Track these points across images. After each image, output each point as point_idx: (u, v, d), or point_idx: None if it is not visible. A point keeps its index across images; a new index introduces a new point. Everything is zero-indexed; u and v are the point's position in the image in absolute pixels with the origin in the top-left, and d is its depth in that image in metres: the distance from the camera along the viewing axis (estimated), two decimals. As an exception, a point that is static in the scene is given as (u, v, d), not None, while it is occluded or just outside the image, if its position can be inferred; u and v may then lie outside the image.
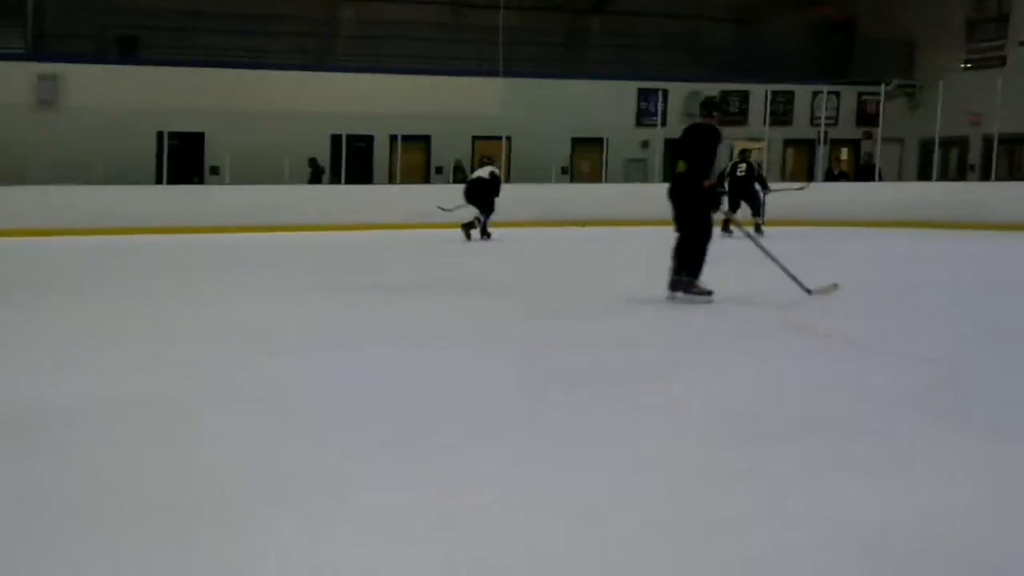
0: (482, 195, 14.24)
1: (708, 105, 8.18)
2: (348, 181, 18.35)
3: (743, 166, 15.53)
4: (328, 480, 3.36)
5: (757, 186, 15.49)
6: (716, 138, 7.79)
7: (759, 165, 16.70)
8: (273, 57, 19.95)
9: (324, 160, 19.48)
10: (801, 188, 16.73)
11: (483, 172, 14.47)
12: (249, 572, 2.59)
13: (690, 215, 7.76)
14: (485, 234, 14.43)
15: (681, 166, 7.82)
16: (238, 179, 17.28)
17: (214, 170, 18.48)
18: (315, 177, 19.26)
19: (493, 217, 14.44)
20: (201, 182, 18.54)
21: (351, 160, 18.41)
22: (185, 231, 15.03)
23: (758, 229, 14.41)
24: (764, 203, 15.51)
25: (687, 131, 8.06)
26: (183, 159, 18.25)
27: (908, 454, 3.65)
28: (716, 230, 8.05)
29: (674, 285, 7.81)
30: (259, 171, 17.42)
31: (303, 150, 18.35)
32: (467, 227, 14.37)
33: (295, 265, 11.72)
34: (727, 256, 12.31)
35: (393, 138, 19.44)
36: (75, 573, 2.59)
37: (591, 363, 5.38)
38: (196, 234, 15.02)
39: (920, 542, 2.78)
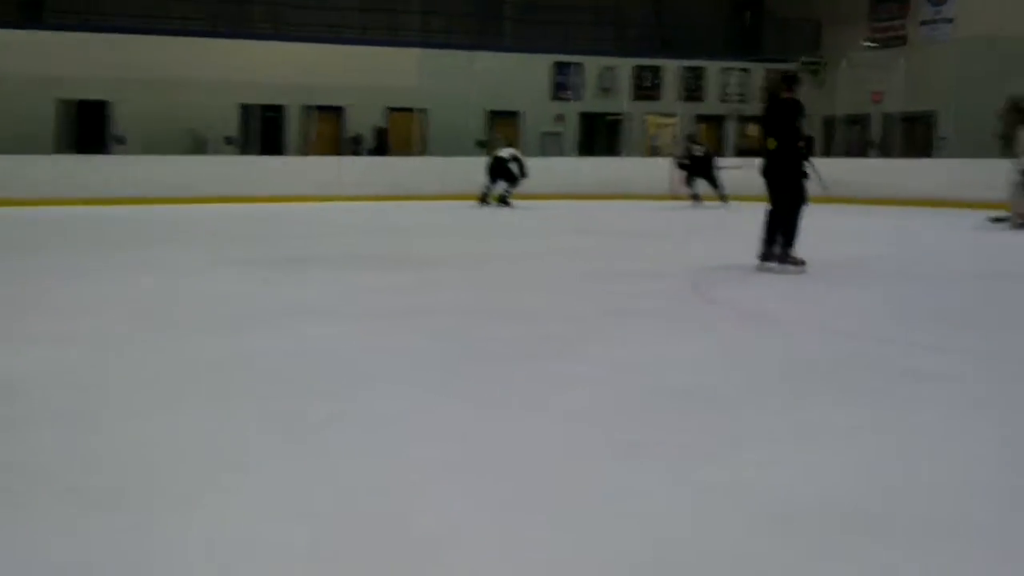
0: (504, 171, 16.00)
1: (789, 80, 8.28)
2: (260, 152, 18.09)
3: (699, 147, 17.16)
4: (239, 456, 3.32)
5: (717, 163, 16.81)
6: (800, 111, 7.97)
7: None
8: (182, 23, 19.48)
9: (233, 130, 19.12)
10: (739, 168, 17.15)
11: (505, 153, 16.19)
12: (170, 550, 2.56)
13: (785, 188, 7.96)
14: (505, 203, 15.98)
15: (771, 144, 7.96)
16: (145, 149, 16.88)
17: (119, 140, 17.98)
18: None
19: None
20: (106, 152, 18.01)
21: (263, 131, 18.13)
22: (87, 203, 14.64)
23: (723, 200, 16.36)
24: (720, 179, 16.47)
25: (771, 107, 8.18)
26: (86, 128, 17.73)
27: (811, 423, 3.75)
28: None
29: (766, 256, 8.05)
30: (167, 141, 17.03)
31: (213, 120, 17.97)
32: (483, 198, 16.19)
33: (203, 238, 11.50)
34: (643, 231, 12.56)
35: (306, 108, 19.18)
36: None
37: (506, 337, 5.39)
38: (99, 206, 14.64)
39: (819, 506, 2.86)
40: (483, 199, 16.02)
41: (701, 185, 16.81)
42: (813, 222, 13.47)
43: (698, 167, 16.91)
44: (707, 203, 16.51)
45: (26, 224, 12.73)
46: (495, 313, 6.21)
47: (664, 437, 3.55)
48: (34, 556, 2.50)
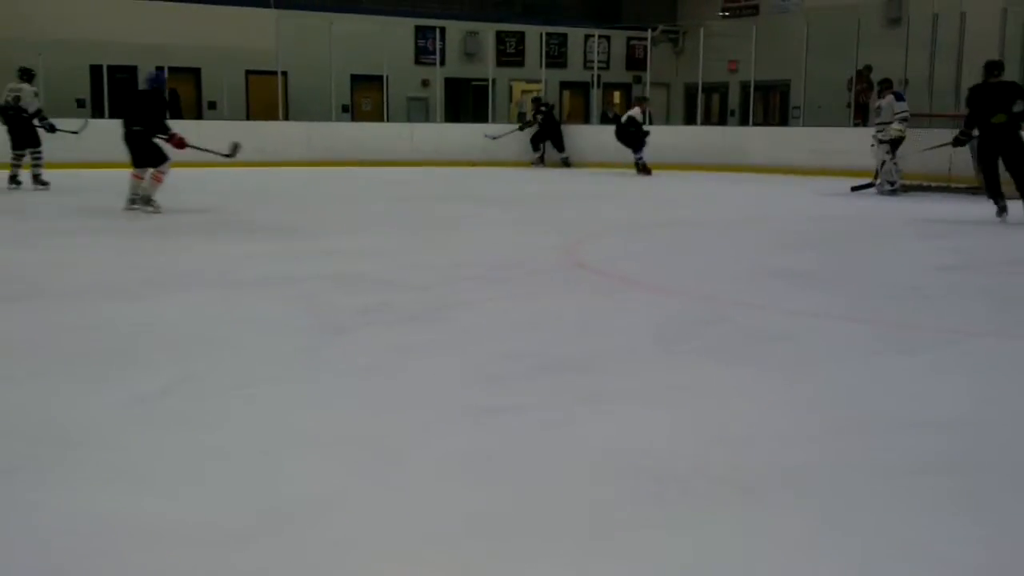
0: (630, 136, 16.21)
1: (999, 66, 9.63)
2: (111, 116, 17.19)
3: (544, 109, 18.83)
4: (107, 428, 3.25)
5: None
6: (1020, 92, 9.37)
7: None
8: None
9: (84, 91, 18.14)
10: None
11: (624, 117, 16.62)
12: (31, 533, 2.47)
13: (1018, 153, 9.27)
14: (645, 170, 16.14)
15: (1001, 118, 9.19)
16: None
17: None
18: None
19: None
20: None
21: (113, 93, 17.25)
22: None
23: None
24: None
25: (996, 87, 9.39)
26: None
27: (673, 385, 3.86)
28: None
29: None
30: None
31: (61, 81, 16.96)
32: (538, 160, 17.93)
33: (60, 205, 10.93)
34: (512, 196, 12.62)
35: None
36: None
37: (368, 305, 5.35)
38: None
39: (680, 467, 2.94)
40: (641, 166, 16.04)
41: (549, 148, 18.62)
42: (686, 188, 13.88)
43: (545, 129, 18.18)
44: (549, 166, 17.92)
45: None
46: (354, 281, 6.15)
47: (527, 401, 3.59)
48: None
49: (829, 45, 17.80)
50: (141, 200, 9.57)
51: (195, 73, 18.96)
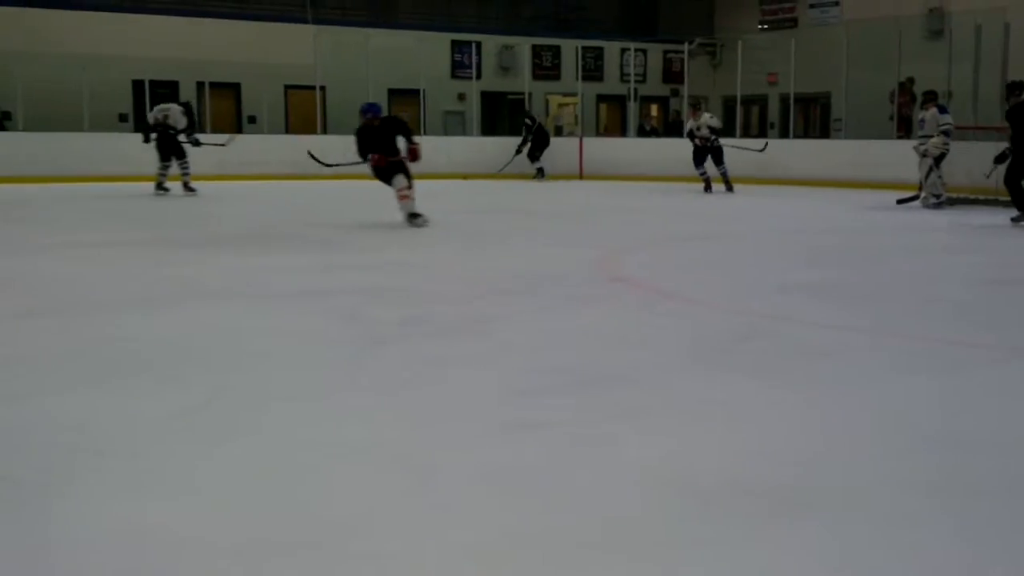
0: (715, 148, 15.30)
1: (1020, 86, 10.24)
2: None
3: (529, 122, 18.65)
4: (143, 440, 3.25)
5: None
6: None
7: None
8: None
9: (127, 106, 18.37)
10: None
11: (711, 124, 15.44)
12: (61, 542, 2.46)
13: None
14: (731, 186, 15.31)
15: None
16: (33, 126, 16.06)
17: (6, 115, 17.07)
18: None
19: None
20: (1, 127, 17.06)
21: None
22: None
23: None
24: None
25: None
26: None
27: (709, 400, 3.79)
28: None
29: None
30: (57, 118, 16.24)
31: (104, 96, 17.19)
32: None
33: (99, 217, 11.06)
34: (548, 210, 12.58)
35: (200, 85, 18.55)
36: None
37: (406, 317, 5.34)
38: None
39: (716, 483, 2.88)
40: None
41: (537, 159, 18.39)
42: (724, 202, 13.76)
43: (536, 142, 18.30)
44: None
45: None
46: (393, 294, 6.13)
47: (563, 416, 3.53)
48: None
49: (870, 57, 17.64)
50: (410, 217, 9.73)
51: (235, 88, 19.12)
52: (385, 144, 9.76)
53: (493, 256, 8.15)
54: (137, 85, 17.91)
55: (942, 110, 12.55)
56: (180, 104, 13.92)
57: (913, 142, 13.10)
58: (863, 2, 21.14)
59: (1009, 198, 10.50)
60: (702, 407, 3.70)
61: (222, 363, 4.31)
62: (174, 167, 13.62)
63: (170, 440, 3.24)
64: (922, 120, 12.75)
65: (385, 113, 10.28)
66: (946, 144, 12.18)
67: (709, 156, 15.19)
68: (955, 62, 16.51)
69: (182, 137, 13.58)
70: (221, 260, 7.64)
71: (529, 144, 18.39)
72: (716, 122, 15.43)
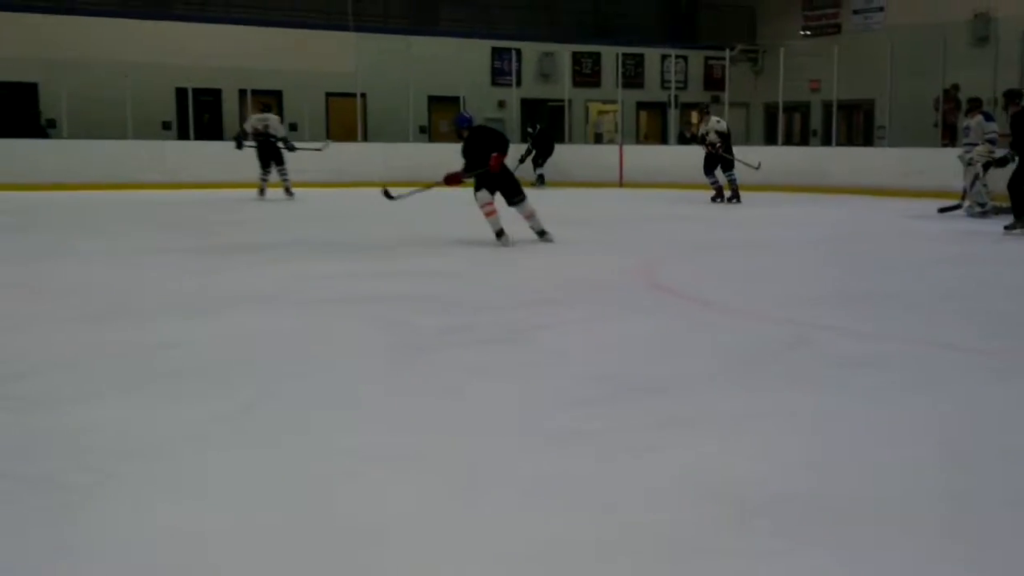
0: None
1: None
2: (196, 136, 17.62)
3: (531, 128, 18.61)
4: (188, 445, 3.28)
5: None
6: None
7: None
8: (108, 4, 18.85)
9: (170, 114, 18.59)
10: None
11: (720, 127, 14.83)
12: (99, 547, 2.48)
13: None
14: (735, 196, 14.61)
15: None
16: (77, 133, 16.29)
17: (50, 123, 17.33)
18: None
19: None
20: (46, 135, 17.31)
21: (198, 115, 17.66)
22: (19, 188, 14.09)
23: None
24: None
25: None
26: (15, 111, 17.04)
27: (753, 410, 3.75)
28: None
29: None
30: (100, 125, 16.46)
31: (147, 103, 17.40)
32: None
33: (141, 225, 11.19)
34: (586, 217, 12.53)
35: (242, 92, 18.72)
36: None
37: (452, 325, 5.35)
38: (32, 191, 14.12)
39: (760, 493, 2.85)
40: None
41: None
42: (766, 210, 13.63)
43: (541, 148, 18.32)
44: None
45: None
46: (433, 302, 6.12)
47: (606, 425, 3.51)
48: None
49: (914, 64, 17.42)
50: (538, 233, 9.22)
51: (277, 95, 19.25)
52: (474, 157, 9.09)
53: (533, 265, 8.12)
54: (180, 92, 18.11)
55: (987, 117, 12.36)
56: (267, 111, 14.85)
57: (958, 150, 12.92)
58: (907, 7, 20.91)
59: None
60: (744, 417, 3.66)
61: (264, 369, 4.34)
62: (273, 173, 14.41)
63: (212, 445, 3.27)
64: (967, 128, 12.56)
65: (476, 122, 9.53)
66: (992, 152, 11.98)
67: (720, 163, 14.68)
68: (1001, 68, 16.26)
69: (281, 144, 14.36)
70: (263, 267, 7.69)
71: (533, 152, 18.29)
72: (723, 126, 14.80)
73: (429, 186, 9.69)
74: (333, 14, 20.62)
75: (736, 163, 14.67)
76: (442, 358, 4.61)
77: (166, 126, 18.63)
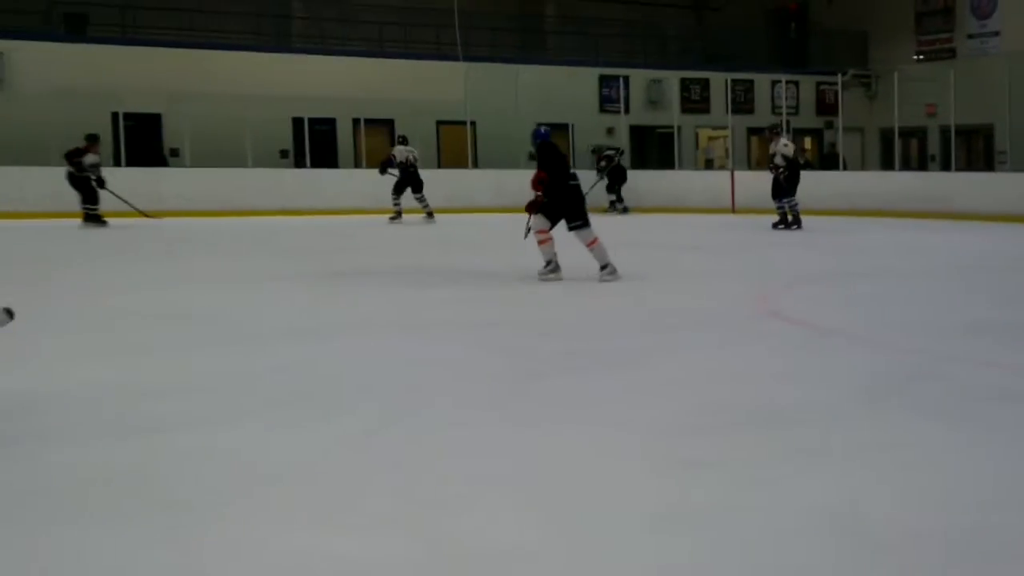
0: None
1: None
2: (312, 165, 18.09)
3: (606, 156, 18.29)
4: (312, 467, 3.32)
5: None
6: None
7: None
8: (226, 37, 19.53)
9: (287, 142, 19.12)
10: None
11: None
12: (227, 567, 2.53)
13: None
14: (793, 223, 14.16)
15: None
16: (199, 162, 16.87)
17: (174, 152, 18.00)
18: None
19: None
20: (165, 164, 18.00)
21: (314, 143, 18.12)
22: (142, 215, 14.63)
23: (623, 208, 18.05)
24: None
25: None
26: (140, 141, 17.74)
27: (882, 442, 3.64)
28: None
29: None
30: (221, 154, 17.01)
31: (265, 133, 17.93)
32: None
33: (260, 251, 11.48)
34: (701, 244, 12.40)
35: (356, 121, 19.15)
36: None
37: (568, 351, 5.33)
38: (157, 218, 14.65)
39: (890, 530, 2.76)
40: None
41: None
42: (884, 236, 13.29)
43: (612, 177, 18.14)
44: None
45: (77, 233, 12.81)
46: (547, 328, 6.12)
47: (726, 455, 3.45)
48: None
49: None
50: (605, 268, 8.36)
51: (389, 124, 19.63)
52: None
53: (647, 291, 8.05)
54: (297, 122, 18.62)
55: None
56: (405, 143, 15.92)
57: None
58: (1022, 32, 20.30)
59: None
60: (871, 449, 3.56)
61: (384, 393, 4.38)
62: (410, 200, 15.40)
63: (336, 469, 3.31)
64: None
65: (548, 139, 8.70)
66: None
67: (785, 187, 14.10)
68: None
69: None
70: (377, 291, 7.80)
71: (606, 180, 18.20)
72: (789, 150, 14.16)
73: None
74: (444, 44, 20.96)
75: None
76: (559, 384, 4.60)
77: (283, 155, 19.16)
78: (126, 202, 14.26)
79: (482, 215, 16.73)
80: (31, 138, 16.23)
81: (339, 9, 20.83)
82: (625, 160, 18.96)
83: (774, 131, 14.78)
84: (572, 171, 8.60)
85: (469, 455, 3.47)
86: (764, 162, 22.49)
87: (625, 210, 18.15)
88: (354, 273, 9.01)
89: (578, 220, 8.37)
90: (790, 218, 14.24)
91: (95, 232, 13.46)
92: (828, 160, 20.92)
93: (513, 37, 22.86)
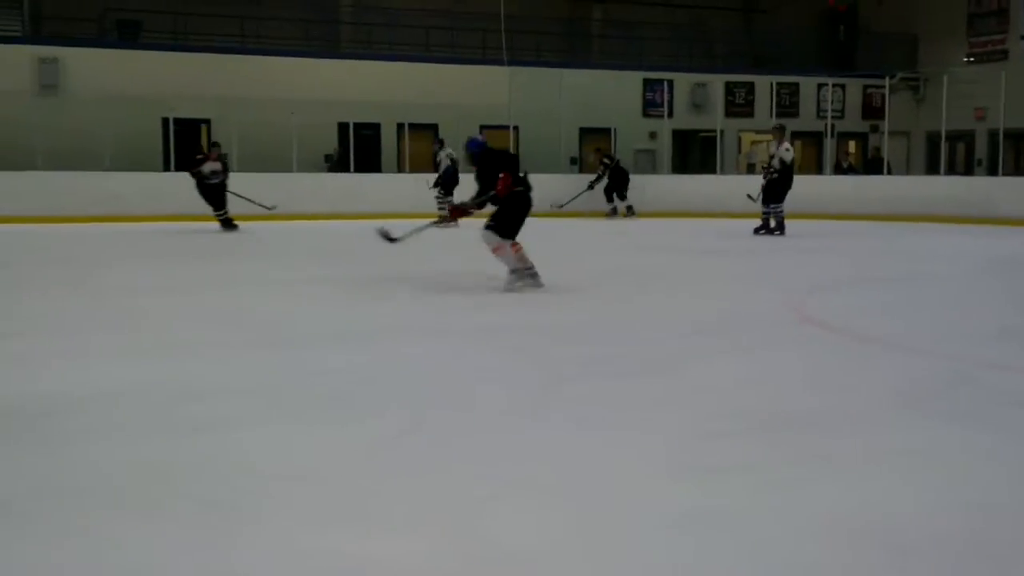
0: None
1: None
2: (356, 169, 18.30)
3: (607, 161, 18.31)
4: (339, 471, 3.37)
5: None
6: None
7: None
8: (274, 43, 19.83)
9: (332, 147, 19.37)
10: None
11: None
12: (258, 566, 2.59)
13: None
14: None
15: None
16: (246, 166, 17.15)
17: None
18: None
19: None
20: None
21: (358, 148, 18.33)
22: (193, 219, 14.91)
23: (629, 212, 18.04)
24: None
25: None
26: (189, 145, 18.07)
27: (912, 448, 3.65)
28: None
29: None
30: (267, 159, 17.28)
31: (311, 138, 18.19)
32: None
33: (304, 255, 11.65)
34: (737, 248, 12.36)
35: (400, 126, 19.34)
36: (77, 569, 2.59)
37: (596, 355, 5.37)
38: (204, 222, 14.90)
39: (911, 536, 2.77)
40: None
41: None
42: (926, 241, 13.17)
43: (613, 180, 18.10)
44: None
45: (127, 237, 13.09)
46: (573, 333, 6.16)
47: (753, 460, 3.47)
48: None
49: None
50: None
51: (433, 128, 19.80)
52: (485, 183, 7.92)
53: (677, 295, 8.07)
54: (342, 127, 18.85)
55: None
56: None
57: None
58: (1079, 33, 19.97)
59: None
60: (905, 455, 3.57)
61: (416, 397, 4.44)
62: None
63: (371, 469, 3.38)
64: None
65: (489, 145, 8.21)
66: None
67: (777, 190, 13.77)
68: None
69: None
70: (413, 295, 7.86)
71: (606, 182, 18.24)
72: (788, 155, 13.73)
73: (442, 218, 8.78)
74: (488, 48, 21.10)
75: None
76: (584, 389, 4.64)
77: (328, 159, 19.40)
78: (250, 200, 14.69)
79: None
80: (85, 143, 16.65)
81: (386, 15, 21.05)
82: (627, 163, 19.00)
83: (779, 132, 14.24)
84: (523, 175, 7.90)
85: (497, 459, 3.52)
86: (806, 166, 22.41)
87: (630, 210, 18.17)
88: (385, 278, 9.04)
89: (495, 223, 7.77)
90: (772, 223, 13.96)
91: (143, 235, 13.71)
92: (872, 164, 20.71)
93: (558, 41, 22.92)
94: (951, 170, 20.19)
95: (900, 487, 3.22)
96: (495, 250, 7.83)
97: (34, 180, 15.98)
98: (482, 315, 6.88)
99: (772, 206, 13.93)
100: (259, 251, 12.16)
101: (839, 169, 20.72)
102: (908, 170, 21.93)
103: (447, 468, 3.40)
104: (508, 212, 7.78)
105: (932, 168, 20.88)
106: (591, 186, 18.16)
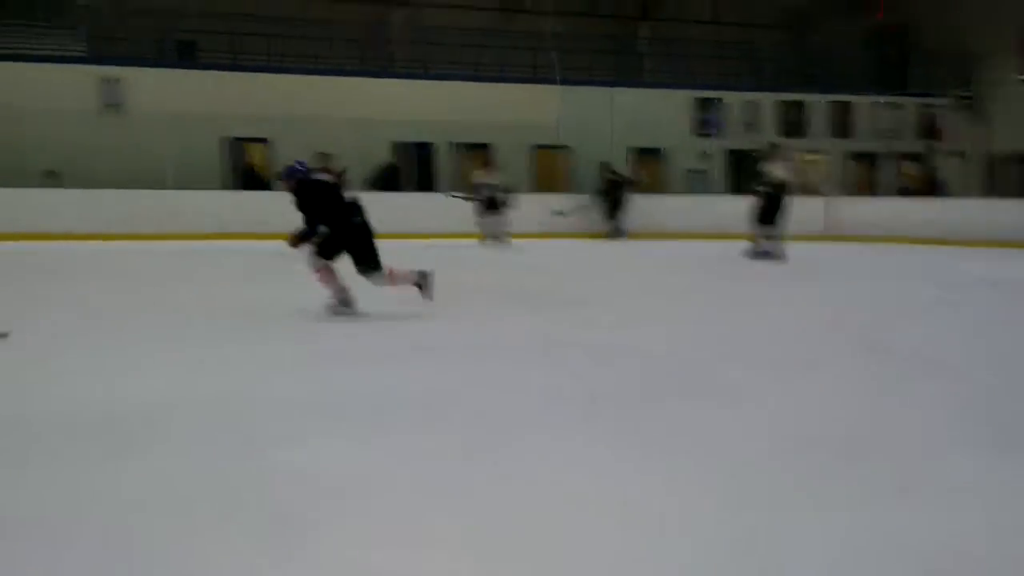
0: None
1: None
2: (415, 188, 18.52)
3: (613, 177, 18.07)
4: (396, 484, 3.45)
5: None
6: None
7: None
8: (327, 62, 20.10)
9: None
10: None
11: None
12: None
13: None
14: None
15: None
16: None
17: (279, 176, 18.55)
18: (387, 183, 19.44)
19: None
20: (269, 188, 18.63)
21: (412, 165, 18.56)
22: (253, 237, 15.16)
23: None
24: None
25: None
26: (249, 165, 18.42)
27: (994, 480, 3.64)
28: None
29: None
30: (322, 177, 17.49)
31: (367, 157, 18.42)
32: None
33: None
34: (791, 273, 12.29)
35: (453, 145, 19.52)
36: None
37: (650, 376, 5.39)
38: (264, 240, 15.13)
39: (991, 565, 2.80)
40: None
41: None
42: (974, 266, 12.99)
43: (612, 199, 17.95)
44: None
45: (185, 256, 13.37)
46: (626, 353, 6.18)
47: (824, 487, 3.49)
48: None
49: None
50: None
51: (484, 148, 19.99)
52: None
53: (740, 318, 8.01)
54: (398, 146, 19.06)
55: None
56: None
57: None
58: None
59: None
60: (983, 488, 3.57)
61: (470, 415, 4.49)
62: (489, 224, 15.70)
63: (408, 488, 3.43)
64: None
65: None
66: None
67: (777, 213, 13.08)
68: None
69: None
70: (460, 312, 7.91)
71: (605, 203, 18.12)
72: (783, 173, 12.99)
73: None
74: (540, 67, 21.23)
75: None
76: (643, 413, 4.64)
77: (381, 171, 19.58)
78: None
79: (572, 240, 16.86)
80: (147, 161, 17.01)
81: (439, 34, 21.26)
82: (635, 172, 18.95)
83: (773, 152, 13.65)
84: (355, 203, 7.57)
85: (552, 479, 3.56)
86: (862, 187, 22.23)
87: (618, 232, 17.91)
88: (443, 296, 9.11)
89: (364, 263, 7.49)
90: (761, 250, 13.36)
91: (209, 253, 13.95)
92: (928, 186, 20.48)
93: (609, 60, 22.99)
94: (1010, 192, 19.85)
95: (978, 519, 3.22)
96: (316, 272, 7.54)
97: (98, 197, 16.33)
98: (536, 334, 6.89)
99: (767, 229, 13.28)
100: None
101: (901, 191, 20.48)
102: (965, 191, 21.67)
103: (504, 486, 3.45)
104: (336, 239, 7.45)
105: (990, 189, 20.58)
106: (593, 201, 18.04)
